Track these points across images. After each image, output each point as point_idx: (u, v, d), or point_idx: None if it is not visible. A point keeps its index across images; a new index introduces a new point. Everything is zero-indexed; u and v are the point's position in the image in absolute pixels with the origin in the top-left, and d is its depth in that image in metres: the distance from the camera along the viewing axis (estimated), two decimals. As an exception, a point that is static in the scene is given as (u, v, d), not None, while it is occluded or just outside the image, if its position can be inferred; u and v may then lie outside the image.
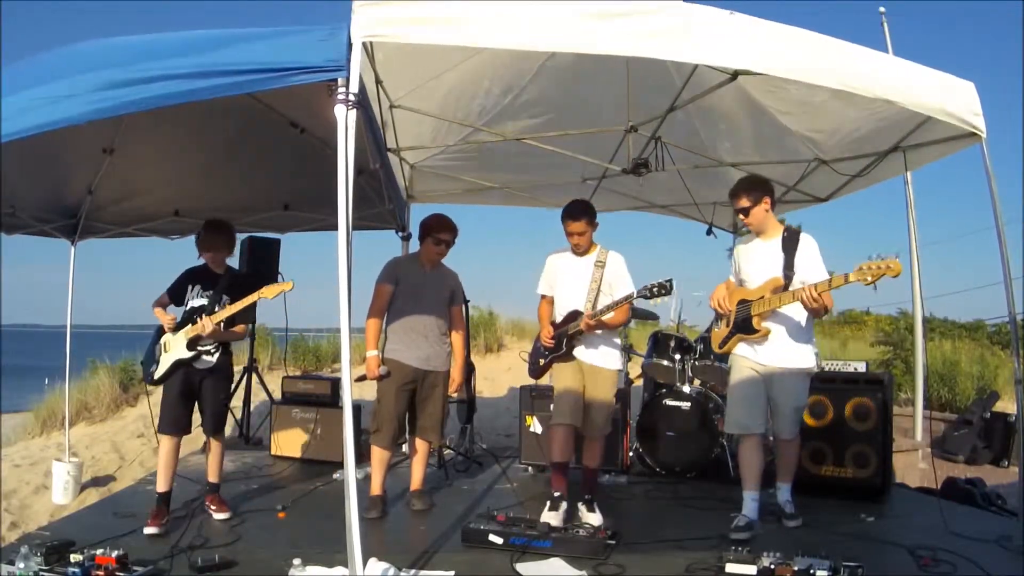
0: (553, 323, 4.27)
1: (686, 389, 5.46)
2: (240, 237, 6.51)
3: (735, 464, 4.63)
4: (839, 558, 3.11)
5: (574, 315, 4.14)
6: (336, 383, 6.00)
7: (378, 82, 4.79)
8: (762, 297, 3.95)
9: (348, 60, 2.91)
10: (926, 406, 7.52)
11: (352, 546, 2.75)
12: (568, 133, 5.54)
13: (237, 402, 6.91)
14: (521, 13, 3.07)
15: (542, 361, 4.33)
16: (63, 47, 3.37)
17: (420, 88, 5.11)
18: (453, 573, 3.22)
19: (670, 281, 3.87)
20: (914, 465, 6.67)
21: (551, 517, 3.83)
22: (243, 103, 4.02)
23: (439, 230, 4.44)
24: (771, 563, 3.09)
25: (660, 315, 6.50)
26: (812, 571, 3.01)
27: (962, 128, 3.81)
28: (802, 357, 4.01)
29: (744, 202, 4.05)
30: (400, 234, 6.46)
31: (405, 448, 5.37)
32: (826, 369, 5.14)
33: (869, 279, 3.45)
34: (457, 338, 4.62)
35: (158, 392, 4.24)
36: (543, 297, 4.39)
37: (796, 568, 3.04)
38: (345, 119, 2.90)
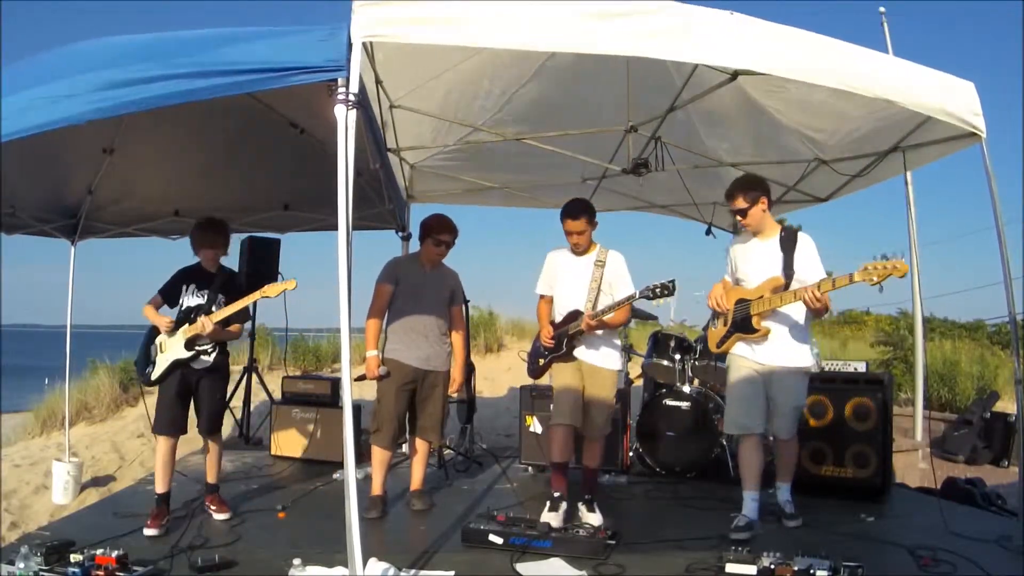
0: (553, 323, 4.26)
1: (686, 389, 5.46)
2: (240, 237, 6.54)
3: (735, 464, 4.63)
4: (839, 558, 3.11)
5: (574, 315, 4.13)
6: (336, 383, 6.00)
7: (378, 82, 4.79)
8: (761, 296, 3.95)
9: (348, 60, 2.91)
10: (926, 406, 7.52)
11: (352, 546, 2.75)
12: (568, 133, 5.54)
13: (237, 402, 6.92)
14: (521, 13, 3.07)
15: (541, 361, 4.32)
16: (63, 47, 3.37)
17: (420, 88, 5.11)
18: (453, 573, 3.22)
19: (672, 282, 3.86)
20: (914, 465, 6.67)
21: (551, 517, 3.83)
22: (243, 103, 4.03)
23: (439, 231, 4.44)
24: (771, 563, 3.09)
25: (660, 315, 6.52)
26: (812, 571, 3.01)
27: (962, 128, 3.81)
28: (801, 356, 4.01)
29: (741, 203, 4.05)
30: (400, 234, 6.46)
31: (405, 448, 5.36)
32: (826, 369, 5.15)
33: (875, 279, 3.45)
34: (457, 338, 4.62)
35: (155, 392, 4.23)
36: (542, 297, 4.38)
37: (796, 568, 3.04)
38: (345, 119, 2.90)
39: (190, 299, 4.16)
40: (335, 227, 2.95)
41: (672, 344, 5.71)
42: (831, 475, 4.73)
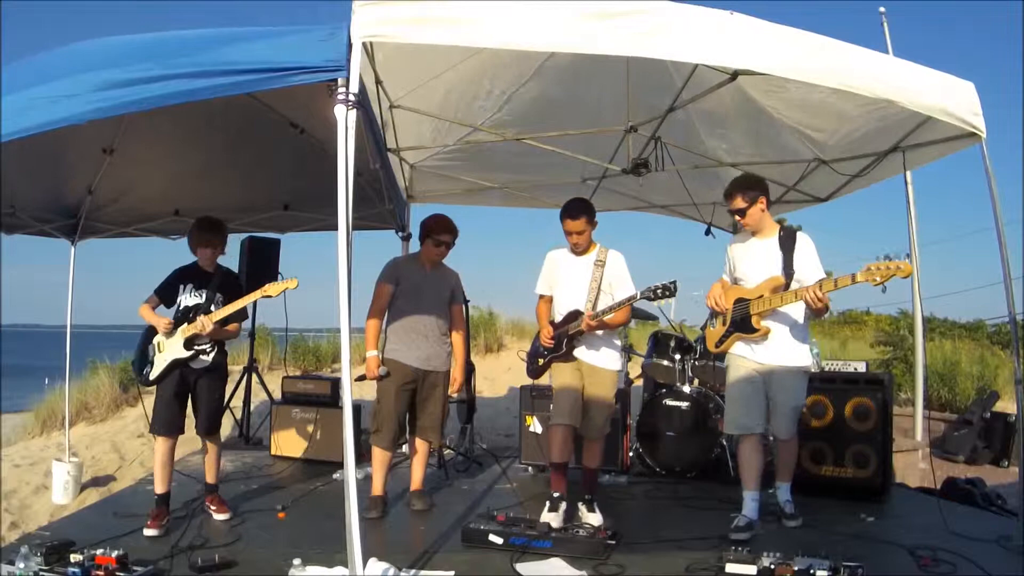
0: (552, 323, 4.26)
1: (686, 389, 5.46)
2: (240, 237, 6.54)
3: (735, 464, 4.63)
4: (839, 558, 3.11)
5: (574, 315, 4.12)
6: (336, 383, 6.00)
7: (378, 82, 4.79)
8: (761, 296, 3.94)
9: (348, 60, 2.91)
10: (926, 406, 7.52)
11: (352, 546, 2.75)
12: (568, 133, 5.55)
13: (237, 402, 6.92)
14: (521, 13, 3.07)
15: (541, 361, 4.31)
16: (63, 47, 3.37)
17: (420, 88, 5.11)
18: (453, 573, 3.22)
19: (674, 283, 3.85)
20: (914, 465, 6.67)
21: (551, 518, 3.83)
22: (243, 103, 4.02)
23: (439, 231, 4.44)
24: (771, 563, 3.09)
25: (660, 316, 6.51)
26: (812, 571, 3.01)
27: (962, 128, 3.81)
28: (800, 355, 4.01)
29: (740, 202, 4.04)
30: (400, 234, 6.46)
31: (405, 448, 5.37)
32: (826, 369, 5.15)
33: (878, 279, 3.45)
34: (457, 338, 4.62)
35: (153, 393, 4.21)
36: (541, 297, 4.37)
37: (796, 568, 3.04)
38: (345, 119, 2.90)
39: (188, 299, 4.15)
40: (335, 227, 2.95)
41: (672, 344, 5.71)
42: (831, 475, 4.73)
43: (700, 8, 3.20)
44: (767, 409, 4.04)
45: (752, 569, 3.11)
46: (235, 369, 7.43)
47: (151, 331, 4.18)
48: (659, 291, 3.86)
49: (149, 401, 4.47)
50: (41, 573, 3.08)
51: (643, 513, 4.64)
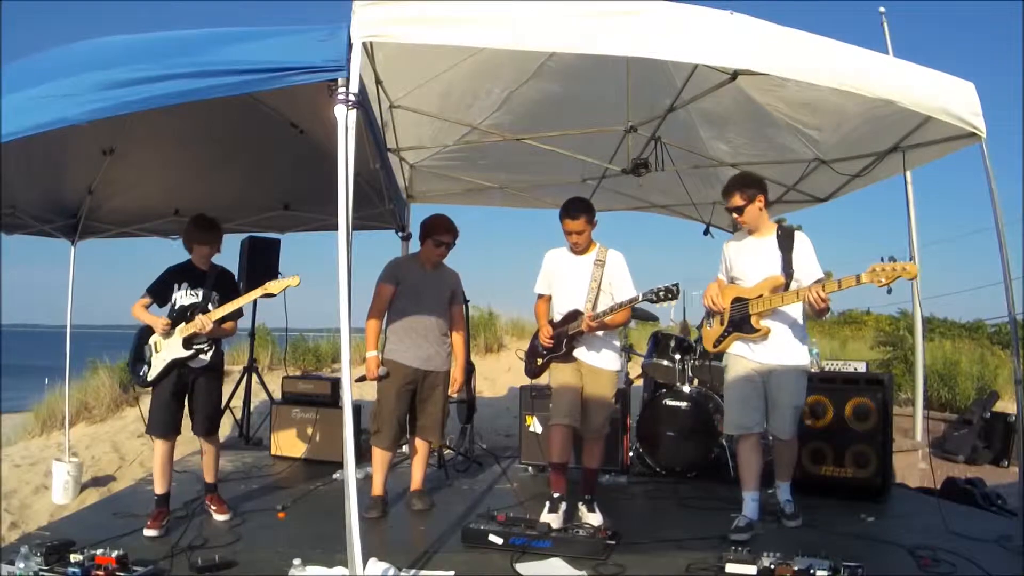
0: (551, 322, 4.25)
1: (686, 389, 5.46)
2: (240, 237, 6.54)
3: (735, 464, 4.62)
4: (839, 558, 3.11)
5: (574, 315, 4.11)
6: (336, 383, 6.00)
7: (378, 82, 4.79)
8: (760, 296, 3.94)
9: (348, 60, 2.91)
10: (926, 406, 7.52)
11: (352, 546, 2.75)
12: (568, 133, 5.55)
13: (237, 402, 6.92)
14: (521, 13, 3.07)
15: (540, 361, 4.30)
16: (63, 47, 3.37)
17: (420, 88, 5.11)
18: (453, 573, 3.22)
19: (676, 285, 3.83)
20: (914, 465, 6.67)
21: (551, 519, 3.82)
22: (243, 103, 4.02)
23: (439, 232, 4.43)
24: (771, 563, 3.09)
25: (660, 316, 6.51)
26: (812, 571, 3.01)
27: (962, 128, 3.81)
28: (800, 355, 4.01)
29: (738, 200, 4.04)
30: (400, 234, 6.46)
31: (405, 448, 5.37)
32: (826, 369, 5.15)
33: (883, 280, 3.44)
34: (458, 338, 4.62)
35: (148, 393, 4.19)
36: (540, 296, 4.36)
37: (796, 568, 3.04)
38: (345, 119, 2.90)
39: (184, 298, 4.13)
40: (335, 227, 2.95)
41: (672, 344, 5.71)
42: (831, 475, 4.73)
43: (700, 8, 3.20)
44: (766, 409, 4.04)
45: (752, 569, 3.11)
46: (235, 369, 7.44)
47: (145, 331, 4.16)
48: (661, 293, 3.84)
49: (145, 401, 4.46)
50: (41, 573, 3.08)
51: (643, 513, 4.65)
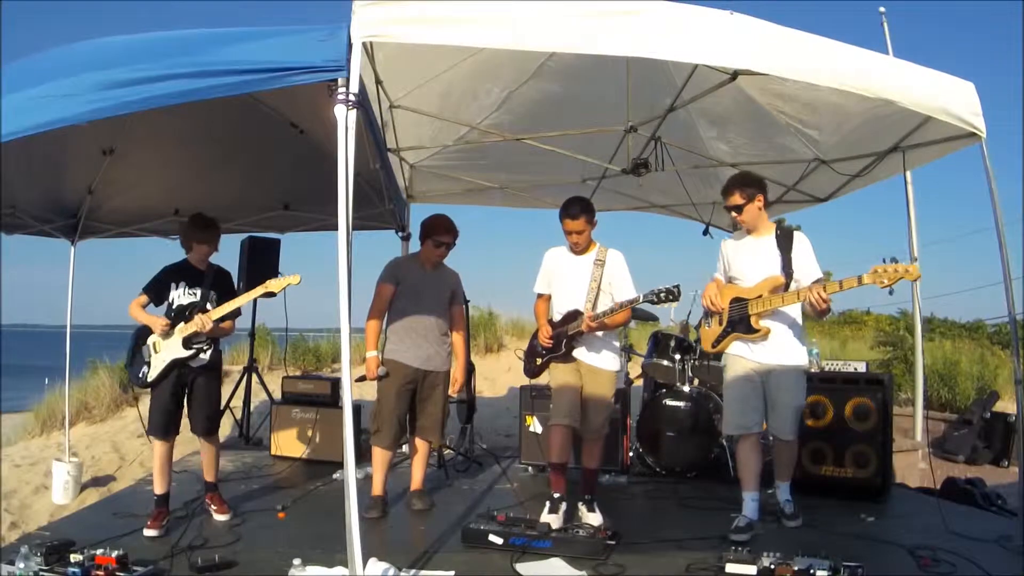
0: (551, 322, 4.25)
1: (686, 389, 5.46)
2: (240, 237, 6.55)
3: (735, 464, 4.62)
4: (839, 558, 3.11)
5: (574, 315, 4.11)
6: (336, 383, 6.00)
7: (378, 82, 4.79)
8: (760, 296, 3.94)
9: (348, 60, 2.91)
10: (926, 406, 7.52)
11: (352, 546, 2.75)
12: (568, 133, 5.55)
13: (237, 402, 6.92)
14: (521, 13, 3.07)
15: (539, 360, 4.29)
16: (63, 47, 3.37)
17: (420, 88, 5.11)
18: (453, 573, 3.22)
19: (677, 287, 3.82)
20: (914, 465, 6.67)
21: (551, 519, 3.82)
22: (243, 103, 4.02)
23: (439, 232, 4.43)
24: (771, 563, 3.09)
25: (660, 316, 6.51)
26: (812, 571, 3.01)
27: (962, 128, 3.81)
28: (799, 355, 4.01)
29: (738, 199, 4.03)
30: (400, 234, 6.46)
31: (405, 448, 5.37)
32: (826, 369, 5.15)
33: (886, 282, 3.44)
34: (458, 338, 4.62)
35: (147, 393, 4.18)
36: (540, 295, 4.36)
37: (796, 568, 3.04)
38: (345, 119, 2.90)
39: (182, 297, 4.12)
40: (335, 227, 2.95)
41: (672, 344, 5.71)
42: (831, 475, 4.73)
43: (700, 8, 3.20)
44: (765, 409, 4.04)
45: (752, 569, 3.11)
46: (235, 369, 7.44)
47: (141, 331, 4.14)
48: (662, 295, 3.82)
49: (144, 402, 4.45)
50: (41, 573, 3.08)
51: (643, 513, 4.65)
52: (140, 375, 4.10)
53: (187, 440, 4.44)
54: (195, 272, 4.20)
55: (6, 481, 6.37)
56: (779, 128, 5.06)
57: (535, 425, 5.49)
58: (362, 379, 4.28)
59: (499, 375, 10.02)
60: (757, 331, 3.95)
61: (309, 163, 4.80)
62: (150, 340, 4.10)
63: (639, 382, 6.46)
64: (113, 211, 5.93)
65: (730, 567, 3.18)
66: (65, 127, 2.92)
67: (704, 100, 4.79)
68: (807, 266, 3.93)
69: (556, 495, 4.00)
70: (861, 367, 5.01)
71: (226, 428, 6.45)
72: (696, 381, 5.64)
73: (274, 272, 6.20)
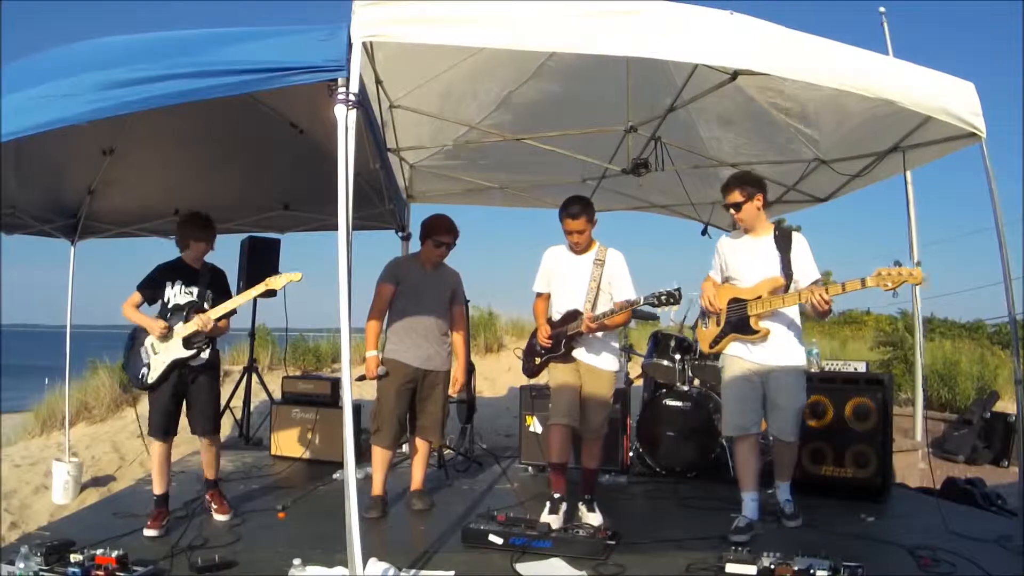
0: (550, 321, 4.24)
1: (686, 389, 5.46)
2: (240, 237, 6.55)
3: (735, 464, 4.62)
4: (839, 558, 3.11)
5: (573, 315, 4.10)
6: (336, 383, 6.00)
7: (378, 82, 4.79)
8: (759, 297, 3.94)
9: (348, 60, 2.91)
10: (926, 406, 7.52)
11: (352, 546, 2.75)
12: (568, 133, 5.55)
13: (237, 402, 6.92)
14: (521, 13, 3.07)
15: (538, 360, 4.29)
16: (63, 47, 3.37)
17: (420, 88, 5.11)
18: (453, 573, 3.22)
19: (678, 290, 3.81)
20: (914, 465, 6.67)
21: (551, 520, 3.82)
22: (243, 103, 4.02)
23: (439, 232, 4.43)
24: (771, 563, 3.09)
25: (660, 316, 6.50)
26: (812, 571, 3.01)
27: (962, 128, 3.81)
28: (798, 355, 4.01)
29: (737, 196, 4.02)
30: (400, 234, 6.46)
31: (405, 448, 5.37)
32: (826, 369, 5.15)
33: (889, 285, 3.45)
34: (458, 338, 4.62)
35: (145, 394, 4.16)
36: (539, 294, 4.35)
37: (796, 568, 3.04)
38: (345, 119, 2.90)
39: (178, 296, 4.10)
40: (335, 227, 2.95)
41: (672, 344, 5.71)
42: (831, 475, 4.73)
43: (700, 8, 3.20)
44: (764, 410, 4.04)
45: (752, 569, 3.11)
46: (235, 369, 7.44)
47: (137, 332, 4.12)
48: (663, 298, 3.81)
49: (143, 403, 4.44)
50: (41, 573, 3.08)
51: (643, 513, 4.65)
52: (140, 376, 4.07)
53: (187, 440, 4.44)
54: (190, 271, 4.18)
55: (6, 481, 6.37)
56: (779, 128, 5.06)
57: (535, 425, 5.49)
58: (362, 378, 4.28)
59: (499, 375, 10.02)
60: (756, 332, 3.94)
61: (309, 163, 4.80)
62: (147, 342, 4.08)
63: (639, 382, 6.46)
64: (113, 211, 5.93)
65: (730, 567, 3.18)
66: (65, 127, 2.92)
67: (704, 100, 4.79)
68: (806, 267, 3.93)
69: (556, 495, 4.00)
70: (861, 367, 5.01)
71: (226, 428, 6.45)
72: (696, 381, 5.64)
73: (274, 272, 6.20)
